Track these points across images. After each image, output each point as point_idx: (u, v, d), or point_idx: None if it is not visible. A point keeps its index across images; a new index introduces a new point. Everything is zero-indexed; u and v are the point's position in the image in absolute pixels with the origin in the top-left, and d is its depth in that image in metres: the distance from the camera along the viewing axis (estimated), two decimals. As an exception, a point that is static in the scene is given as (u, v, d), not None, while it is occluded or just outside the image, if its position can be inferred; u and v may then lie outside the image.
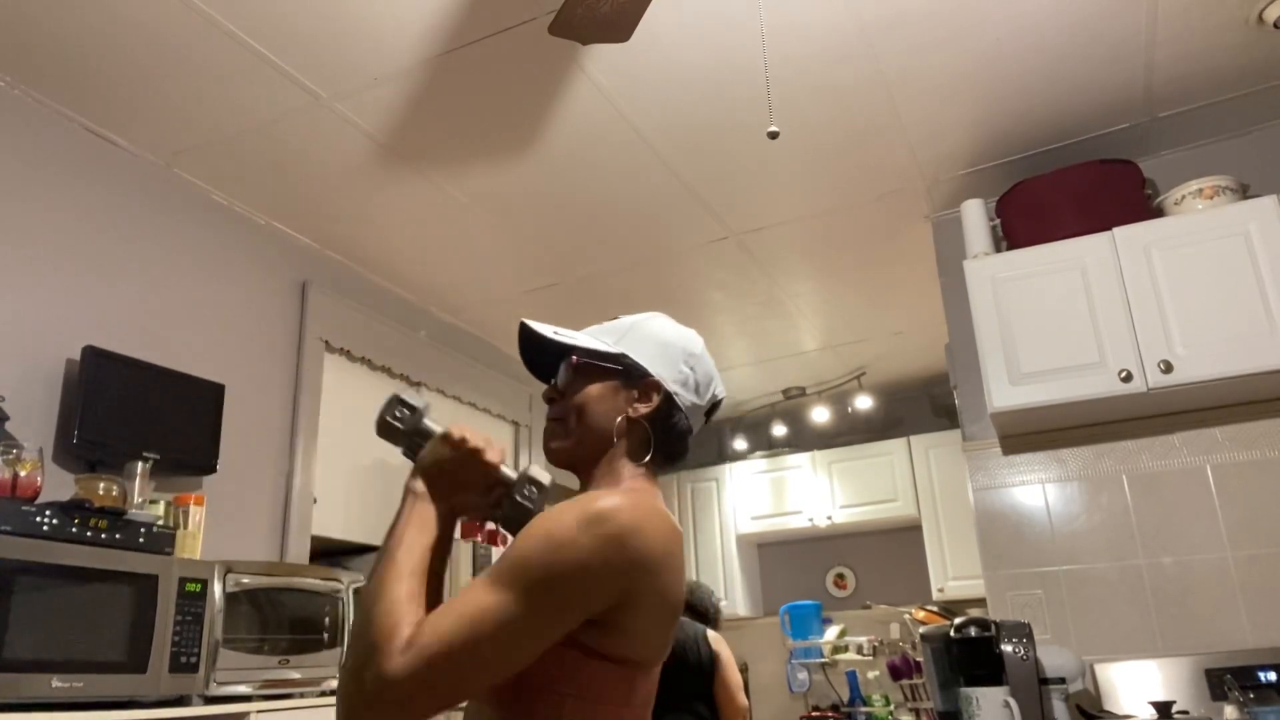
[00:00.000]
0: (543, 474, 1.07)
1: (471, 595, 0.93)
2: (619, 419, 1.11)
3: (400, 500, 1.06)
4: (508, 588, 0.93)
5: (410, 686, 0.88)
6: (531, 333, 1.15)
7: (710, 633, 3.13)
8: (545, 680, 0.98)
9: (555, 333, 1.14)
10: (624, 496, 1.00)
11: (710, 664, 3.02)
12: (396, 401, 1.11)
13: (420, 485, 1.06)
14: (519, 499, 1.05)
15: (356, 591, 2.45)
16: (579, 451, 1.12)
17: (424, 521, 1.04)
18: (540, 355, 1.19)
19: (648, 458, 1.11)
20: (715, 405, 1.20)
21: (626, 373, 1.12)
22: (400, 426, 1.11)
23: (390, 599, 0.94)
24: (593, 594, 0.94)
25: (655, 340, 1.15)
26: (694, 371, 1.15)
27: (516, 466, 1.12)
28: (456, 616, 0.91)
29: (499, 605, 0.92)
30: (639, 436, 1.12)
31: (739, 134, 2.65)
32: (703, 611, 3.28)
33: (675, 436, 1.14)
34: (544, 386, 1.18)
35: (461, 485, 1.06)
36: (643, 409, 1.11)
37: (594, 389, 1.11)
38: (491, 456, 1.06)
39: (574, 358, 1.13)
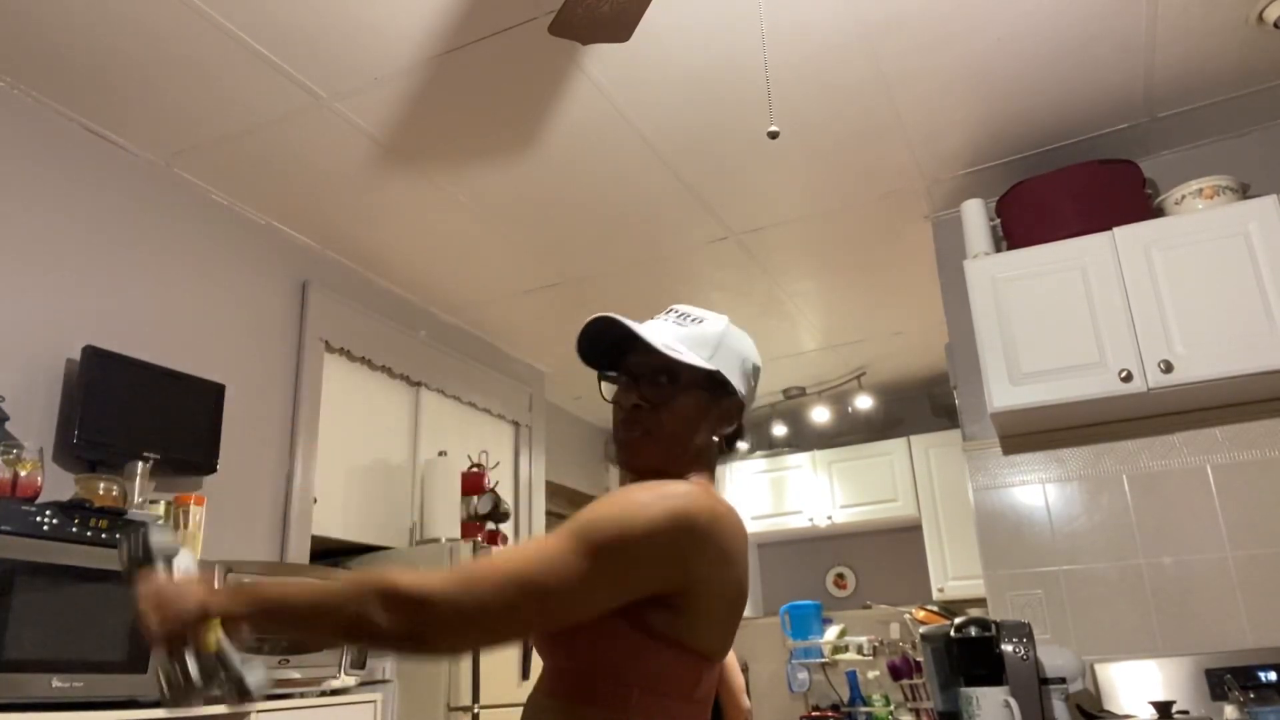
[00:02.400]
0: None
1: (537, 540, 0.94)
2: (709, 437, 1.12)
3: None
4: (575, 539, 0.93)
5: (457, 605, 0.88)
6: (609, 326, 1.10)
7: None
8: (612, 669, 0.98)
9: (665, 346, 1.08)
10: (701, 488, 1.01)
11: None
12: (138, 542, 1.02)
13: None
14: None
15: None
16: (657, 463, 1.10)
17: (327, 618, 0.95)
18: (602, 347, 1.14)
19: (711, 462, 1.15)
20: None
21: (717, 388, 1.12)
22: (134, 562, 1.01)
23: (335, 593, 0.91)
24: (658, 566, 0.95)
25: (738, 356, 1.14)
26: (755, 385, 1.17)
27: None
28: (519, 552, 0.92)
29: (562, 552, 0.92)
30: (714, 449, 1.14)
31: (739, 134, 2.65)
32: None
33: (734, 445, 1.17)
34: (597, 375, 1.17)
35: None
36: (727, 430, 1.13)
37: (688, 406, 1.10)
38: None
39: (665, 377, 1.09)
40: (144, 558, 1.01)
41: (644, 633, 0.97)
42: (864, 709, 4.57)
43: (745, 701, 3.05)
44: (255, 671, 0.97)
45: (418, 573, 0.90)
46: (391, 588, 0.89)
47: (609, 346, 1.14)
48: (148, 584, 0.98)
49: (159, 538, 1.02)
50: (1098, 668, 2.44)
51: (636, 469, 1.10)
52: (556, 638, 1.03)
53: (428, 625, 0.88)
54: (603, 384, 1.16)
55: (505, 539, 3.50)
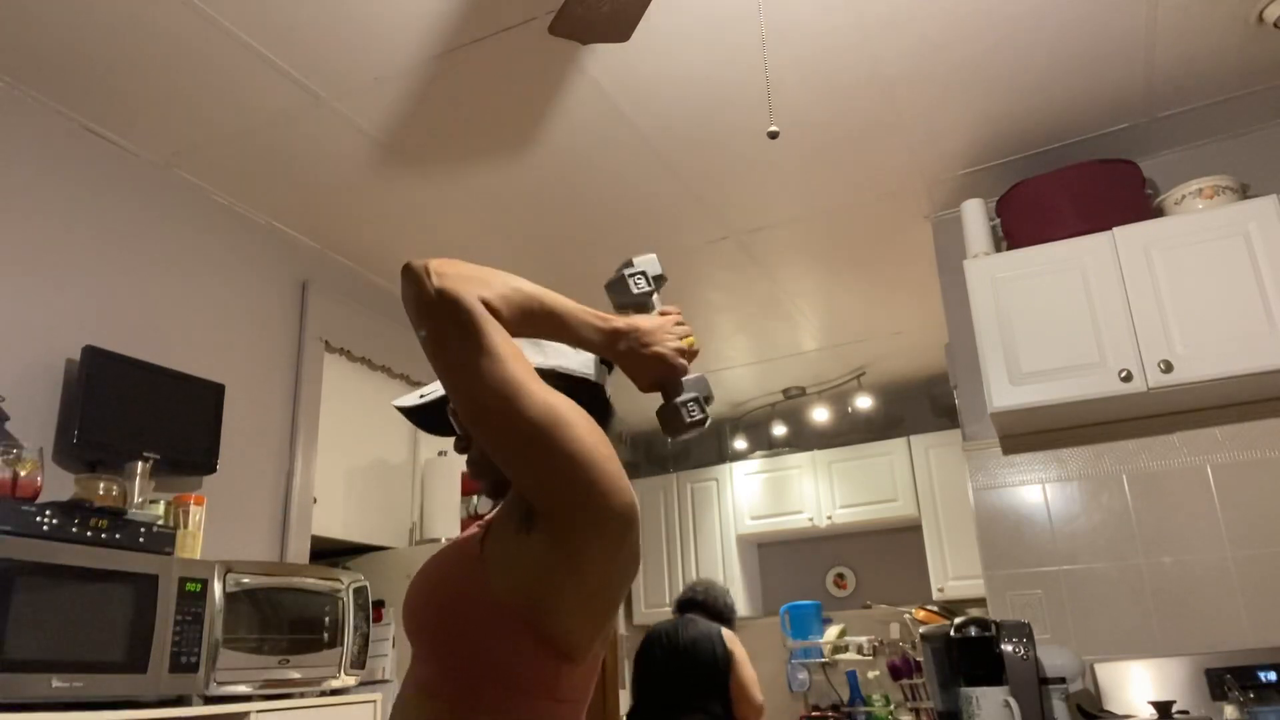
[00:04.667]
0: (701, 409, 1.08)
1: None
2: None
3: (584, 317, 1.06)
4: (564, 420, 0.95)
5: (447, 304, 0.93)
6: (411, 409, 1.16)
7: (725, 632, 3.14)
8: (467, 663, 0.97)
9: (421, 395, 1.14)
10: None
11: (725, 663, 3.03)
12: (641, 271, 1.17)
13: (610, 329, 1.06)
14: (681, 407, 1.08)
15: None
16: (496, 482, 1.11)
17: (582, 339, 1.06)
18: (432, 419, 1.19)
19: None
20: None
21: None
22: (633, 293, 1.15)
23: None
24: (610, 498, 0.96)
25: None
26: (544, 349, 1.12)
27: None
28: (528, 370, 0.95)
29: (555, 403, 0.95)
30: None
31: (739, 134, 2.65)
32: (718, 611, 3.28)
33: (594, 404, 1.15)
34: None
35: (639, 364, 1.08)
36: None
37: None
38: (678, 374, 1.09)
39: (452, 405, 1.11)
40: (656, 284, 1.14)
41: (511, 624, 0.96)
42: (864, 709, 4.57)
43: (758, 696, 3.06)
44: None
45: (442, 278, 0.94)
46: (440, 275, 0.95)
47: (441, 412, 1.16)
48: (667, 320, 1.11)
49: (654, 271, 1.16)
50: (1098, 668, 2.44)
51: (490, 496, 1.12)
52: (419, 625, 1.03)
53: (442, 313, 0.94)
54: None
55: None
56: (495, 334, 0.94)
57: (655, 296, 1.16)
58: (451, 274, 0.94)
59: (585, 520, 0.95)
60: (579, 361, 1.11)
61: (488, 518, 1.09)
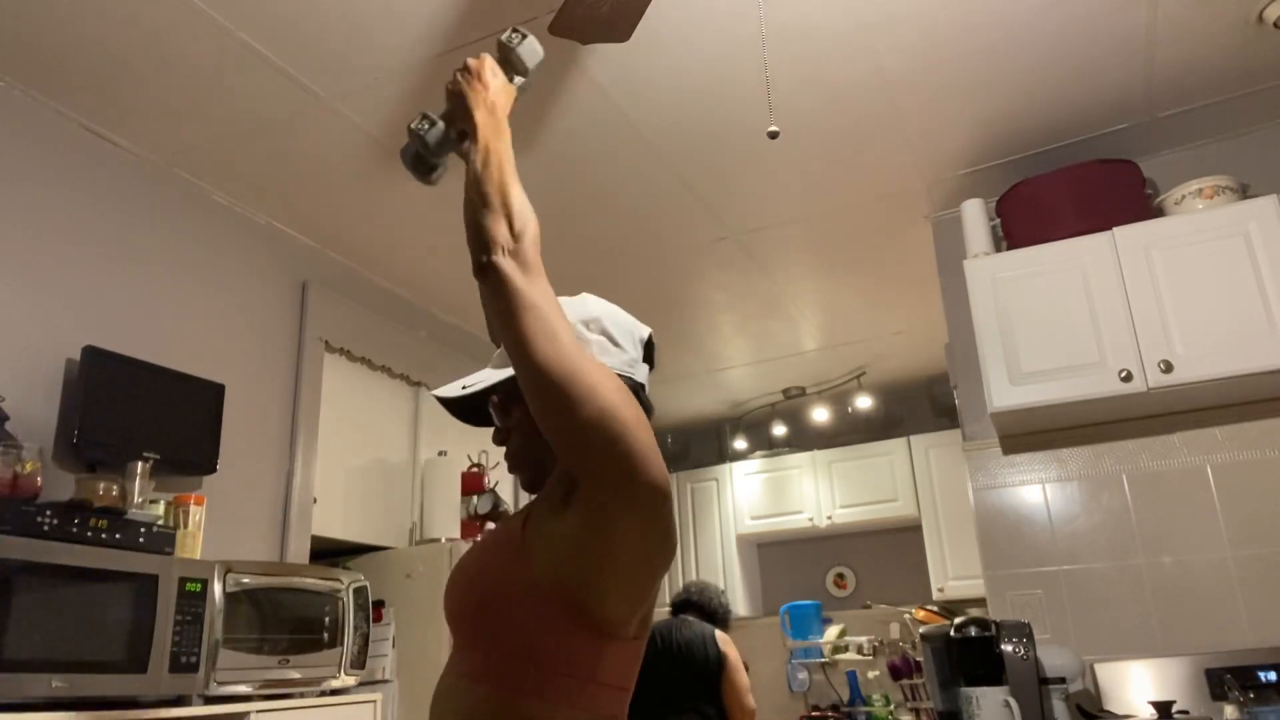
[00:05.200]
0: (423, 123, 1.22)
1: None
2: None
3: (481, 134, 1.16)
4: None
5: (512, 280, 1.01)
6: (452, 399, 1.17)
7: (718, 634, 3.13)
8: (512, 648, 0.98)
9: (464, 387, 1.16)
10: None
11: (717, 665, 3.02)
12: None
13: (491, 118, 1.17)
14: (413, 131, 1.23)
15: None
16: (534, 475, 1.14)
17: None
18: (473, 412, 1.21)
19: None
20: (650, 347, 1.22)
21: None
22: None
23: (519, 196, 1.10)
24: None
25: None
26: (612, 337, 1.16)
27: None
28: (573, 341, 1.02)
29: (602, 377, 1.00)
30: None
31: (739, 134, 2.65)
32: (711, 612, 3.28)
33: None
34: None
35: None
36: None
37: (525, 416, 1.10)
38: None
39: (495, 397, 1.15)
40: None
41: (551, 606, 0.98)
42: (864, 709, 4.57)
43: (750, 702, 3.06)
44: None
45: (531, 258, 1.05)
46: (500, 253, 1.03)
47: (474, 405, 1.19)
48: (489, 59, 1.21)
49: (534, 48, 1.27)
50: (1098, 668, 2.44)
51: (528, 489, 1.15)
52: (460, 613, 1.05)
53: (490, 282, 1.02)
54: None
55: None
56: (554, 315, 1.00)
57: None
58: (518, 264, 1.03)
59: (616, 489, 0.97)
60: (621, 361, 1.13)
61: (527, 506, 1.11)
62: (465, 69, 1.19)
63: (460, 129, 1.20)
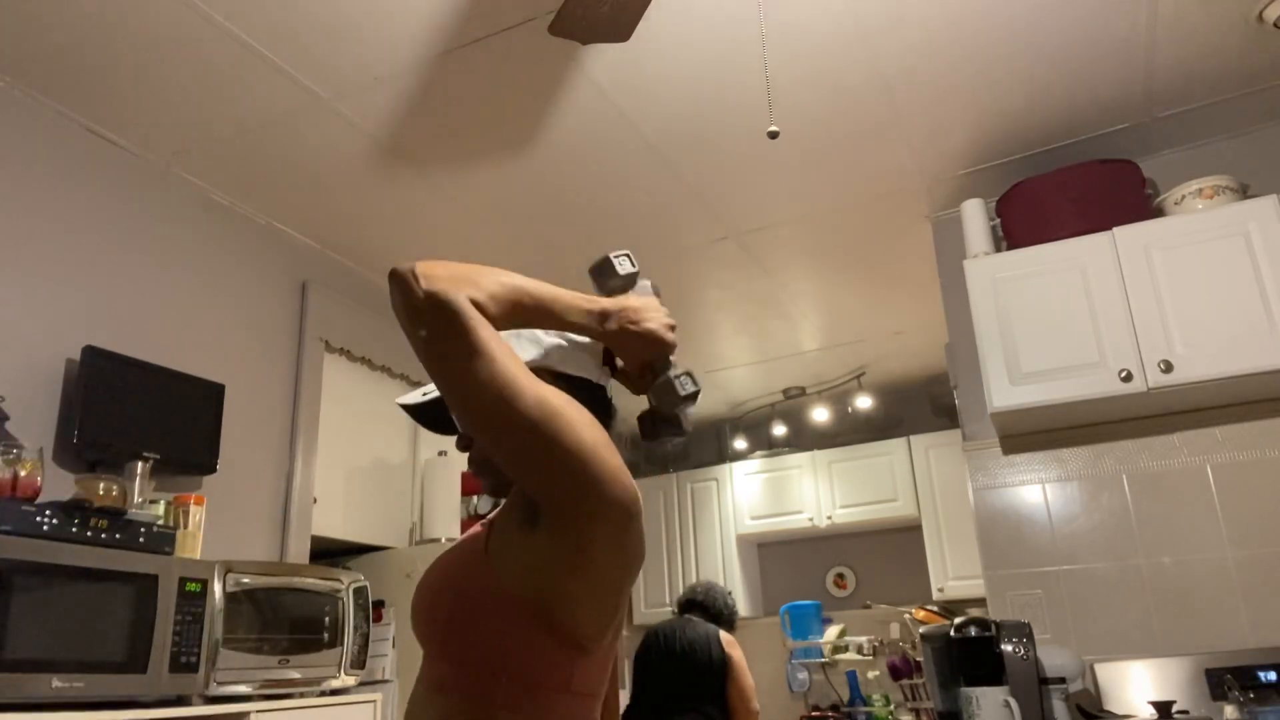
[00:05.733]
0: (694, 383, 1.10)
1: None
2: None
3: (573, 301, 1.07)
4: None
5: (435, 307, 0.93)
6: (415, 406, 1.16)
7: (723, 635, 3.13)
8: (481, 659, 0.98)
9: (424, 394, 1.14)
10: None
11: (722, 666, 3.02)
12: (625, 253, 1.16)
13: (599, 310, 1.08)
14: (675, 380, 1.09)
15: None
16: (500, 479, 1.11)
17: (572, 323, 1.07)
18: (435, 417, 1.20)
19: None
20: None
21: None
22: (619, 273, 1.14)
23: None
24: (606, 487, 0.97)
25: (524, 335, 1.12)
26: (548, 334, 1.12)
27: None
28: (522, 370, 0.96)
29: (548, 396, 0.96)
30: None
31: (739, 134, 2.65)
32: (716, 613, 3.27)
33: (596, 401, 1.15)
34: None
35: (630, 341, 1.09)
36: None
37: None
38: (669, 349, 1.11)
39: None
40: (628, 277, 1.15)
41: (521, 618, 0.97)
42: (864, 709, 4.57)
43: (755, 705, 3.06)
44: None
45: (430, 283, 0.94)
46: (426, 278, 0.94)
47: (437, 412, 1.18)
48: (653, 300, 1.12)
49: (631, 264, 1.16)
50: (1098, 668, 2.44)
51: (492, 494, 1.13)
52: (429, 625, 1.04)
53: (432, 316, 0.94)
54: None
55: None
56: (485, 333, 0.94)
57: (639, 279, 1.16)
58: (439, 275, 0.94)
59: (587, 512, 0.95)
60: (578, 363, 1.11)
61: (490, 516, 1.09)
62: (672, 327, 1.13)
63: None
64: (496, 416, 0.93)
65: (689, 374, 1.10)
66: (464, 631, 0.99)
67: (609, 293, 1.13)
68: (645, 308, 1.10)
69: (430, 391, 1.16)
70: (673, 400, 1.09)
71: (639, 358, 1.10)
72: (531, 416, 0.93)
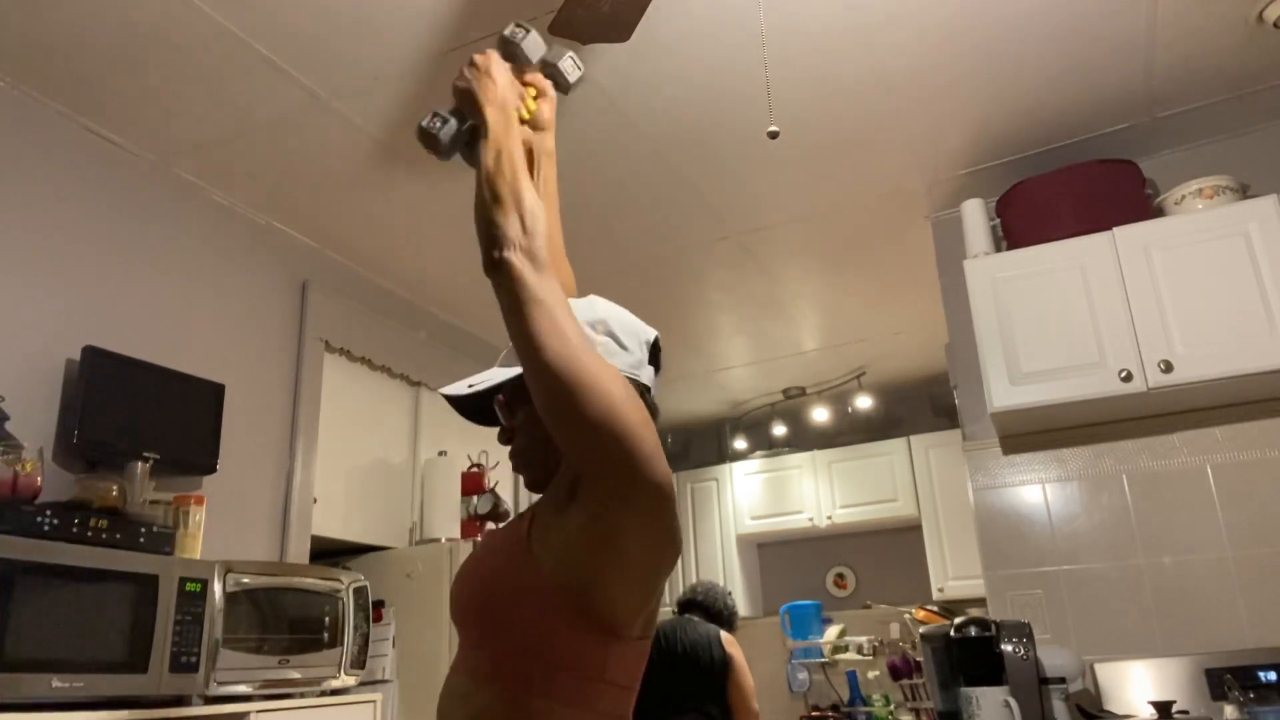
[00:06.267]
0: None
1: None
2: None
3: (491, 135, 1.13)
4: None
5: (519, 274, 1.01)
6: (458, 398, 1.17)
7: (724, 635, 3.13)
8: (517, 646, 0.99)
9: (470, 386, 1.16)
10: None
11: (722, 666, 3.02)
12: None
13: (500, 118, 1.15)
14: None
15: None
16: (539, 475, 1.14)
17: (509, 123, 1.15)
18: (479, 411, 1.21)
19: None
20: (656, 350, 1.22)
21: None
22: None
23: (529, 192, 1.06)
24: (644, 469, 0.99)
25: None
26: (598, 333, 1.14)
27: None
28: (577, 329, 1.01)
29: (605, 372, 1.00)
30: None
31: (739, 134, 2.65)
32: (716, 613, 3.27)
33: None
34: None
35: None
36: None
37: (532, 416, 1.10)
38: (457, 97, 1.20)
39: (500, 396, 1.15)
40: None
41: (558, 607, 0.98)
42: (864, 709, 4.57)
43: (755, 706, 3.06)
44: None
45: (541, 255, 1.02)
46: (512, 249, 1.02)
47: (479, 404, 1.19)
48: (495, 55, 1.22)
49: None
50: (1098, 668, 2.44)
51: (532, 488, 1.15)
52: (467, 613, 1.05)
53: (502, 278, 1.01)
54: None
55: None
56: (562, 313, 1.00)
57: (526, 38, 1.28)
58: (523, 265, 1.02)
59: (619, 489, 0.97)
60: (627, 363, 1.13)
61: (532, 506, 1.11)
62: (472, 64, 1.19)
63: (471, 125, 1.21)
64: (570, 391, 0.96)
65: (437, 113, 1.22)
66: (502, 619, 1.01)
67: (520, 71, 1.27)
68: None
69: (476, 384, 1.17)
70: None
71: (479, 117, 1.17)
72: (594, 378, 0.96)
